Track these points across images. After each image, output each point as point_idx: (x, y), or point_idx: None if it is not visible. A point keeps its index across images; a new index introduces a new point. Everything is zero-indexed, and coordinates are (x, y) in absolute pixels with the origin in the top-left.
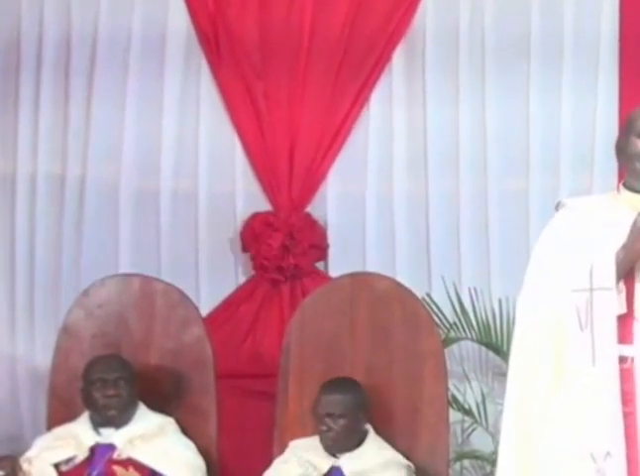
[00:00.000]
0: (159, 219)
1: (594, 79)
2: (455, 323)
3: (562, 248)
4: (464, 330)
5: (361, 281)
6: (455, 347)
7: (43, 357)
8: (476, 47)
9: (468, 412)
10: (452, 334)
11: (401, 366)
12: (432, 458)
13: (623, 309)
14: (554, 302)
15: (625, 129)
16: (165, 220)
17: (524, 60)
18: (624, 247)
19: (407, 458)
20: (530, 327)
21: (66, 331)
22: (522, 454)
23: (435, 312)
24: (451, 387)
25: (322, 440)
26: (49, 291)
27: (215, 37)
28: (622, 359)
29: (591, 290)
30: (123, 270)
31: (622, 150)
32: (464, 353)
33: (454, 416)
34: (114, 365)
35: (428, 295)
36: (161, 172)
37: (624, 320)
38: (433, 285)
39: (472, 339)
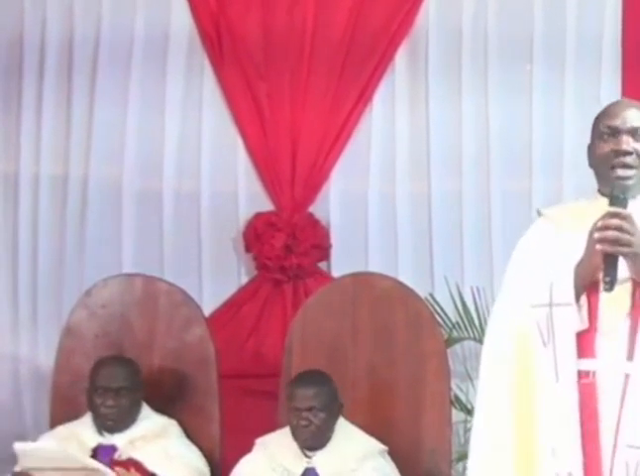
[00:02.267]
0: (161, 219)
1: (597, 80)
2: (457, 323)
3: (531, 261)
4: (466, 330)
5: (363, 281)
6: (457, 347)
7: (45, 357)
8: (478, 47)
9: (470, 412)
10: (454, 334)
11: (404, 366)
12: (434, 458)
13: (585, 325)
14: (520, 317)
15: (591, 133)
16: (168, 220)
17: (527, 61)
18: (582, 261)
19: (409, 458)
20: (497, 343)
21: (69, 331)
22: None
23: (437, 312)
24: (453, 387)
25: (299, 435)
26: (51, 291)
27: (218, 37)
28: (584, 374)
29: (551, 305)
30: (126, 270)
31: (590, 154)
32: (466, 353)
33: (456, 415)
34: (118, 374)
35: (431, 294)
36: (164, 172)
37: (586, 334)
38: (435, 285)
39: (474, 339)
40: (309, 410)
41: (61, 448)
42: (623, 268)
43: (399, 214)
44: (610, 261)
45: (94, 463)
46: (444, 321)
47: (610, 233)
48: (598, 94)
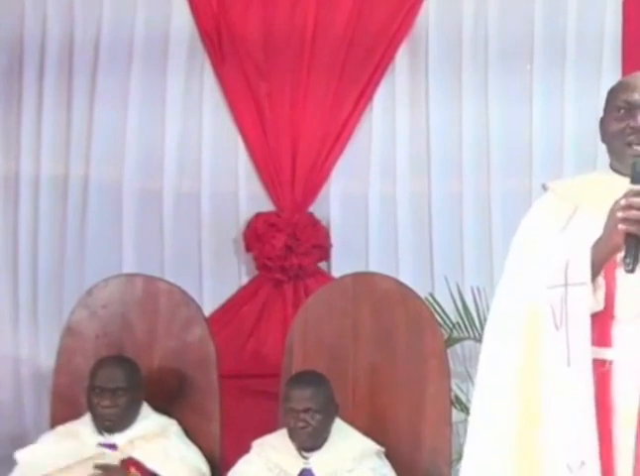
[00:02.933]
0: (162, 219)
1: (597, 80)
2: (458, 323)
3: (539, 239)
4: (466, 330)
5: (363, 281)
6: (458, 347)
7: (46, 357)
8: (479, 47)
9: None
10: (455, 334)
11: (404, 366)
12: (434, 459)
13: (600, 306)
14: (531, 298)
15: (605, 106)
16: (169, 220)
17: (527, 61)
18: (600, 239)
19: (409, 458)
20: (501, 327)
21: (70, 331)
22: (488, 463)
23: (438, 312)
24: (454, 387)
25: (296, 437)
26: (52, 291)
27: (218, 36)
28: (600, 362)
29: (566, 285)
30: (126, 270)
31: (603, 129)
32: (466, 353)
33: (456, 415)
34: (116, 374)
35: (431, 294)
36: (165, 172)
37: (602, 320)
38: (436, 285)
39: (474, 339)
40: (306, 411)
41: (60, 447)
42: None
43: (399, 214)
44: (632, 241)
45: (92, 451)
46: (444, 321)
47: (634, 213)
48: (599, 94)
